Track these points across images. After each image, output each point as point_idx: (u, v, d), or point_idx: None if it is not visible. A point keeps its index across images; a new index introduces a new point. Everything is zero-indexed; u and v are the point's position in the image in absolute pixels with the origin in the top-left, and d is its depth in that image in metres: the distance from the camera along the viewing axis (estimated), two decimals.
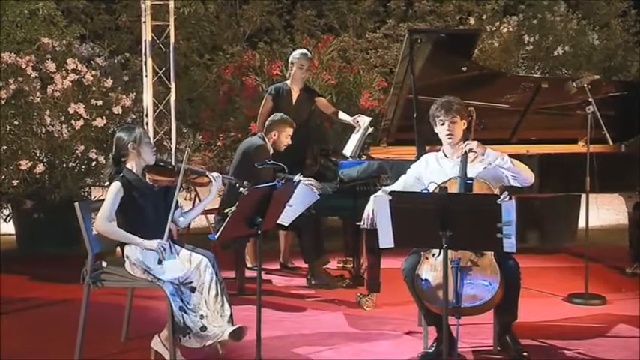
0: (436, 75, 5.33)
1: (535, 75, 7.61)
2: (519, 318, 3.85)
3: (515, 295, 3.74)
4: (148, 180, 3.85)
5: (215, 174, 4.01)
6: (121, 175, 3.82)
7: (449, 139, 3.91)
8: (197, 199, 6.46)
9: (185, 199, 6.61)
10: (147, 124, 6.68)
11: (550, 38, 8.07)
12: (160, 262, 3.71)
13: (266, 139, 5.40)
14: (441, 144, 4.02)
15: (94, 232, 3.88)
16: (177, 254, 3.81)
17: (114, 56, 7.63)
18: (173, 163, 3.98)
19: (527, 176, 3.81)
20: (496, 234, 3.20)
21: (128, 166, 3.88)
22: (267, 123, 5.46)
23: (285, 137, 5.39)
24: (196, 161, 7.47)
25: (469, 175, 3.76)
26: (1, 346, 4.09)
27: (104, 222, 3.75)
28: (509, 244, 3.22)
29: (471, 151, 3.77)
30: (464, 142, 3.85)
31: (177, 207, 3.92)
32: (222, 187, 4.01)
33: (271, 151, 5.36)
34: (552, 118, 5.80)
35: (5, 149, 6.24)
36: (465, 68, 5.40)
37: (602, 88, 5.63)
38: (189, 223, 4.56)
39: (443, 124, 3.90)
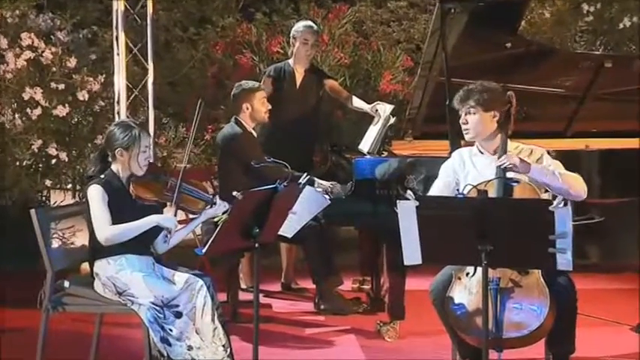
0: (473, 53, 5.33)
1: (596, 52, 7.59)
2: (577, 352, 3.84)
3: (570, 321, 3.74)
4: (132, 192, 3.87)
5: (218, 200, 3.99)
6: (102, 177, 3.85)
7: (465, 133, 3.97)
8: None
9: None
10: (118, 112, 6.71)
11: (614, 7, 8.04)
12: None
13: (243, 122, 5.39)
14: None
15: (54, 245, 3.91)
16: (162, 275, 3.84)
17: (78, 30, 7.65)
18: (166, 177, 3.98)
19: (578, 193, 3.81)
20: (548, 248, 3.20)
21: (114, 168, 3.91)
22: (231, 98, 5.46)
23: (261, 104, 5.36)
24: (178, 159, 7.50)
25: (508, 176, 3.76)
26: None
27: (106, 229, 3.74)
28: (565, 261, 3.22)
29: (510, 169, 3.74)
30: (500, 150, 3.83)
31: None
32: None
33: (254, 133, 5.34)
34: (617, 106, 5.78)
35: None
36: (509, 44, 5.39)
37: None
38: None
39: (460, 116, 3.96)
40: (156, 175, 3.98)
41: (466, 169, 4.01)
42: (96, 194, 3.78)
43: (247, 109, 5.37)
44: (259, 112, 5.39)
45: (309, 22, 6.16)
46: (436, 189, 4.08)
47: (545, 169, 3.79)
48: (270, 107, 5.42)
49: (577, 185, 3.81)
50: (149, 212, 3.87)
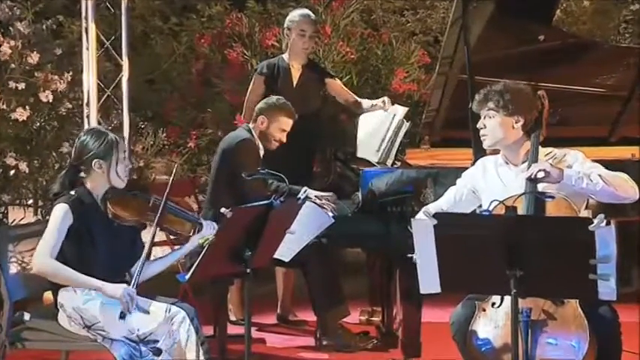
0: (500, 47, 5.35)
1: None
2: None
3: (614, 358, 3.73)
4: (108, 211, 3.88)
5: (205, 221, 4.00)
6: (73, 194, 3.85)
7: (483, 140, 4.01)
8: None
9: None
10: (88, 116, 6.72)
11: None
12: (122, 316, 3.73)
13: (253, 132, 5.39)
14: None
15: (13, 270, 3.92)
16: (137, 306, 3.83)
17: (41, 20, 7.67)
18: (147, 195, 3.98)
19: (627, 193, 3.80)
20: (588, 275, 3.19)
21: (86, 184, 3.91)
22: (257, 107, 5.44)
23: (277, 130, 5.34)
24: (157, 169, 7.51)
25: (539, 189, 3.76)
26: None
27: (45, 258, 3.75)
28: (608, 290, 3.21)
29: (541, 180, 3.74)
30: (530, 159, 3.85)
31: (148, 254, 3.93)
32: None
33: (262, 150, 5.36)
34: None
35: None
36: (542, 37, 5.41)
37: None
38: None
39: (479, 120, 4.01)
40: (135, 191, 3.98)
41: (488, 181, 4.02)
42: (58, 215, 3.79)
43: (262, 123, 5.30)
44: (270, 136, 5.31)
45: (306, 11, 6.15)
46: (444, 200, 4.12)
47: (581, 173, 3.78)
48: (284, 142, 5.37)
49: (624, 184, 3.80)
50: (126, 233, 3.90)
